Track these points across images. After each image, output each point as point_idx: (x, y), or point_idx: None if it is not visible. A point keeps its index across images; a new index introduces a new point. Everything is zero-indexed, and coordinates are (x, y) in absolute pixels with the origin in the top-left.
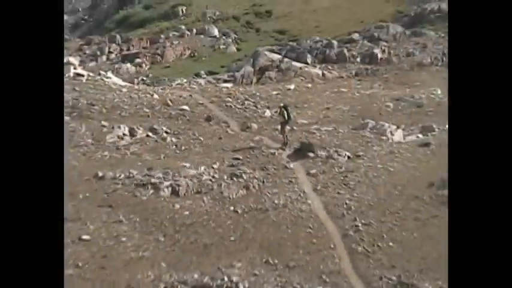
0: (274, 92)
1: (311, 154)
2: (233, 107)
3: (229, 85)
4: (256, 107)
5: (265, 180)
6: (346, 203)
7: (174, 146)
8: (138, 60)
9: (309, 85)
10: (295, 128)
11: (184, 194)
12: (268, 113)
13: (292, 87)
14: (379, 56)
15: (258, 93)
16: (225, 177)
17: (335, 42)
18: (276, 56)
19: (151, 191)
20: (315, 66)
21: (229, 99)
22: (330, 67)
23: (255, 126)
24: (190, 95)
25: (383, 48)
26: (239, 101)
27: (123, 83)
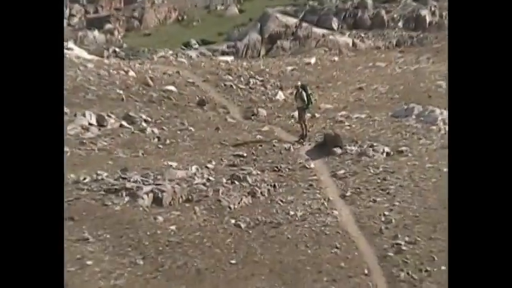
0: (289, 68)
1: (338, 150)
2: (234, 87)
3: (229, 58)
4: (265, 88)
5: (277, 185)
6: (384, 215)
7: (157, 140)
8: (108, 25)
9: (335, 58)
10: (316, 115)
11: (170, 203)
12: (280, 95)
13: (312, 61)
14: (428, 19)
15: (267, 69)
16: (224, 181)
17: (369, 1)
18: (291, 20)
19: (127, 199)
20: (343, 34)
21: (229, 77)
22: (362, 34)
23: (263, 112)
24: (178, 72)
25: (432, 9)
26: (242, 79)
27: (89, 56)
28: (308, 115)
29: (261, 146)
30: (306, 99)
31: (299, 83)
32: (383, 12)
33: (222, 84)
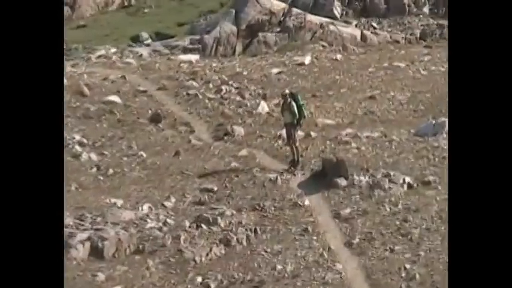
0: (275, 70)
1: (342, 181)
2: (201, 97)
3: (193, 57)
4: (243, 97)
5: (259, 229)
6: (405, 268)
7: (95, 169)
8: None
9: (338, 57)
10: (312, 133)
11: (114, 255)
12: (263, 107)
13: (306, 60)
14: None
15: (245, 73)
16: (187, 224)
17: None
18: (278, 5)
19: None
20: (349, 23)
21: (194, 84)
22: (375, 24)
23: (239, 131)
24: (124, 77)
25: None
26: (211, 86)
27: None
28: (300, 134)
29: (237, 176)
30: (296, 112)
31: (287, 91)
32: None
33: (184, 94)
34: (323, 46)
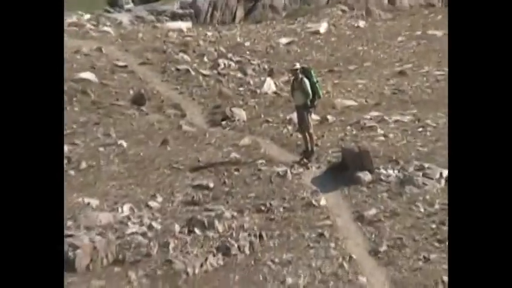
0: (284, 40)
1: (365, 175)
2: (193, 73)
3: (184, 25)
4: (244, 74)
5: (265, 235)
6: (442, 282)
7: (66, 161)
8: None
9: (360, 23)
10: (329, 117)
11: (88, 267)
12: (270, 85)
13: (322, 28)
14: None
15: (247, 43)
16: (177, 229)
17: None
18: None
19: None
20: None
21: (185, 57)
22: None
23: (241, 115)
24: (100, 49)
25: None
26: (206, 59)
27: None
28: (315, 118)
29: (237, 170)
30: (310, 91)
31: (298, 66)
32: None
33: (173, 69)
34: (342, 10)
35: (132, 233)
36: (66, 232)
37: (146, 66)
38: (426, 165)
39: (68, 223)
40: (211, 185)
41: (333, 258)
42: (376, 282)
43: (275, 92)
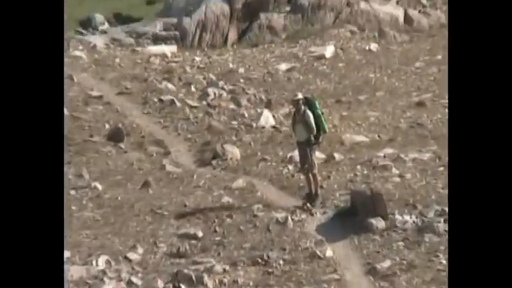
0: (283, 66)
1: (379, 222)
2: (179, 104)
3: (168, 49)
4: (238, 105)
5: None
6: None
7: None
8: None
9: (372, 46)
10: (336, 155)
11: None
12: (267, 118)
13: (328, 52)
14: None
15: (241, 70)
16: (161, 285)
17: None
18: None
19: None
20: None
21: (169, 86)
22: (424, 0)
23: (234, 152)
24: (71, 77)
25: None
26: (194, 89)
27: None
28: (319, 156)
29: (230, 217)
30: (313, 125)
31: (300, 96)
32: None
33: (156, 100)
34: (351, 32)
35: None
36: None
37: (124, 97)
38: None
39: None
40: (200, 233)
41: None
42: None
43: (274, 126)
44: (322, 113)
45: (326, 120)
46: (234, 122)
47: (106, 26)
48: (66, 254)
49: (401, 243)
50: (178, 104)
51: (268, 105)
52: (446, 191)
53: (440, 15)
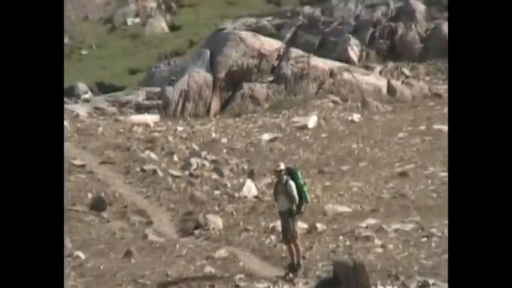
0: (266, 136)
1: None
2: (161, 174)
3: (151, 118)
4: (221, 175)
5: None
6: None
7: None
8: None
9: (355, 116)
10: (319, 225)
11: None
12: (250, 189)
13: (311, 122)
14: None
15: (224, 139)
16: None
17: (420, 7)
18: (271, 44)
19: None
20: (370, 69)
21: (152, 156)
22: (406, 71)
23: (216, 222)
24: None
25: None
26: (176, 158)
27: None
28: (302, 226)
29: (212, 287)
30: (296, 195)
31: (283, 166)
32: (446, 26)
33: (138, 170)
34: (334, 102)
35: None
36: None
37: (107, 166)
38: (431, 281)
39: None
40: None
41: None
42: None
43: (256, 196)
44: (304, 183)
45: (308, 191)
46: (217, 192)
47: (89, 95)
48: None
49: None
50: (160, 173)
51: (251, 175)
52: (429, 262)
53: (423, 85)
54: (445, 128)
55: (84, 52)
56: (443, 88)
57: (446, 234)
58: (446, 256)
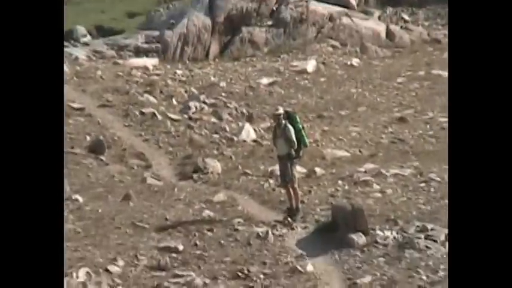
0: (265, 80)
1: (359, 238)
2: (160, 117)
3: (150, 62)
4: (220, 119)
5: None
6: None
7: None
8: None
9: (354, 61)
10: (318, 170)
11: None
12: (248, 132)
13: (310, 66)
14: None
15: (222, 83)
16: None
17: None
18: None
19: None
20: (369, 14)
21: (151, 99)
22: (406, 16)
23: (215, 166)
24: None
25: None
26: (175, 102)
27: None
28: (300, 170)
29: (211, 230)
30: (294, 139)
31: (281, 110)
32: None
33: (137, 113)
34: (333, 46)
35: None
36: None
37: (106, 109)
38: (429, 226)
39: None
40: (180, 247)
41: None
42: None
43: (255, 140)
44: (303, 128)
45: (307, 135)
46: (215, 136)
47: (88, 38)
48: None
49: (382, 259)
50: (159, 117)
51: (250, 119)
52: (428, 207)
53: (422, 31)
54: (445, 73)
55: None
56: (442, 33)
57: (446, 180)
58: (444, 201)
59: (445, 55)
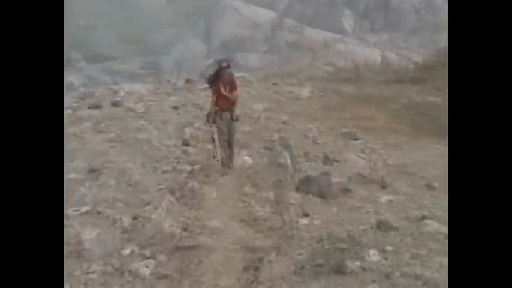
0: (260, 106)
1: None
2: (155, 143)
3: (144, 88)
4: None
5: None
6: None
7: None
8: None
9: (348, 88)
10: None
11: None
12: (243, 158)
13: (305, 92)
14: None
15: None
16: None
17: None
18: (265, 14)
19: None
20: (364, 40)
21: (146, 125)
22: (401, 43)
23: (210, 192)
24: None
25: None
26: (171, 128)
27: None
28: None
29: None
30: (289, 165)
31: (276, 136)
32: None
33: (131, 139)
34: (328, 72)
35: None
36: None
37: (99, 135)
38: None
39: None
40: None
41: None
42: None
43: (250, 167)
44: (295, 155)
45: (297, 160)
46: (211, 162)
47: (82, 63)
48: None
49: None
50: (154, 143)
51: (245, 145)
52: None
53: (417, 57)
54: (438, 99)
55: (81, 23)
56: (437, 60)
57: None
58: None
59: (440, 81)
